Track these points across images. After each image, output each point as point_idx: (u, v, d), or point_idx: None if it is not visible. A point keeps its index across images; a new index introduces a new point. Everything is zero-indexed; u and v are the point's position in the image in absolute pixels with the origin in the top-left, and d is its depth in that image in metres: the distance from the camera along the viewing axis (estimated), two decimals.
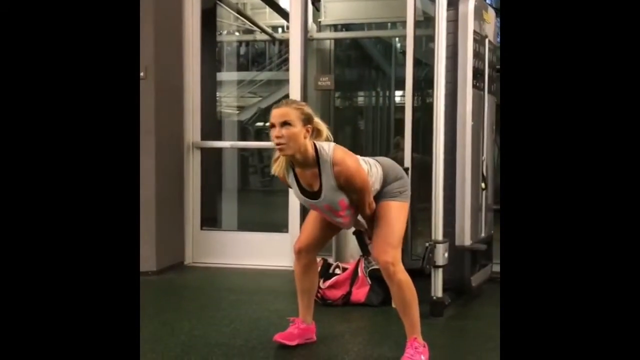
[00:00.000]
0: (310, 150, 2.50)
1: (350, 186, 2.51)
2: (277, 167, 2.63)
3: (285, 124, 2.45)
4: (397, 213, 2.63)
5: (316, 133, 2.56)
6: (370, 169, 2.61)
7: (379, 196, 2.65)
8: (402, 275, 2.60)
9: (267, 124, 2.56)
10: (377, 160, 2.69)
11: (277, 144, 2.47)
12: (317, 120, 2.56)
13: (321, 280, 3.60)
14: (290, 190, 4.81)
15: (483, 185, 3.79)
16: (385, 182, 2.65)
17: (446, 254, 3.36)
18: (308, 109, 2.53)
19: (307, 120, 2.49)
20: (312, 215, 2.84)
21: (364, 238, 2.84)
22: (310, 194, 2.59)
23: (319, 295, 3.56)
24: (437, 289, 3.38)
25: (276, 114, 2.47)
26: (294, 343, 2.87)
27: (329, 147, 2.51)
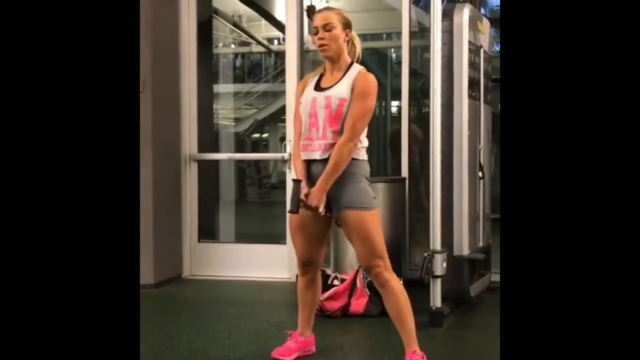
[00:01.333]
0: (346, 57, 2.71)
1: (359, 92, 2.60)
2: (312, 76, 2.79)
3: (327, 26, 2.64)
4: (372, 225, 2.62)
5: (351, 44, 2.72)
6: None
7: (349, 203, 2.60)
8: (394, 282, 2.64)
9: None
10: None
11: (320, 45, 2.66)
12: (354, 34, 2.74)
13: None
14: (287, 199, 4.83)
15: (480, 174, 3.77)
16: (360, 169, 2.65)
17: (445, 264, 3.36)
18: (347, 16, 2.70)
19: (346, 24, 2.69)
20: (294, 232, 2.79)
21: (299, 191, 2.61)
22: (321, 88, 2.70)
23: (317, 306, 3.55)
24: (436, 299, 3.38)
25: (319, 18, 2.67)
26: (292, 357, 2.86)
27: (361, 68, 2.70)
